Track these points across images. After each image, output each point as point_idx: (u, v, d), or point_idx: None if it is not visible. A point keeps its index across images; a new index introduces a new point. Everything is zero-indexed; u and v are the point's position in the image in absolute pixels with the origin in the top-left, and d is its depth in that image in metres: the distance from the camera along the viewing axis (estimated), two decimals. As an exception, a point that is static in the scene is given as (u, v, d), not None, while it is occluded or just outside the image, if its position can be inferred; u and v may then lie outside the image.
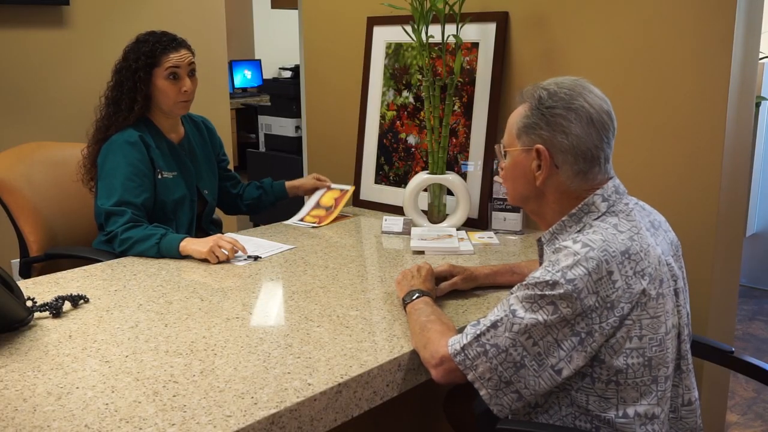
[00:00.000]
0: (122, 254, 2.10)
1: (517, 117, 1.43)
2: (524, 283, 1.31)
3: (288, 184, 2.59)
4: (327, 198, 2.54)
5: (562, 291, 1.25)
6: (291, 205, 2.70)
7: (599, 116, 1.35)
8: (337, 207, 2.48)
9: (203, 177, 2.39)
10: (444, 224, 2.38)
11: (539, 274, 1.29)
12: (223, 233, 2.39)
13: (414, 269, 1.71)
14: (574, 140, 1.35)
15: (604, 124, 1.36)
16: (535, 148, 1.38)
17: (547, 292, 1.26)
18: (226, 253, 2.02)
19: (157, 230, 2.09)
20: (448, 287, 1.75)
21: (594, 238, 1.30)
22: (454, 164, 2.49)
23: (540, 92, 1.39)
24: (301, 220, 2.47)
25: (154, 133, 2.27)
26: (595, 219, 1.36)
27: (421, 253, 2.12)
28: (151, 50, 2.20)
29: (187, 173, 2.32)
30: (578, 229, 1.37)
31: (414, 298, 1.58)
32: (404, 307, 1.60)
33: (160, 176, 2.24)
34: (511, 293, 1.33)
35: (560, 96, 1.36)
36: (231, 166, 2.74)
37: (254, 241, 2.22)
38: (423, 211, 2.43)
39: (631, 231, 1.33)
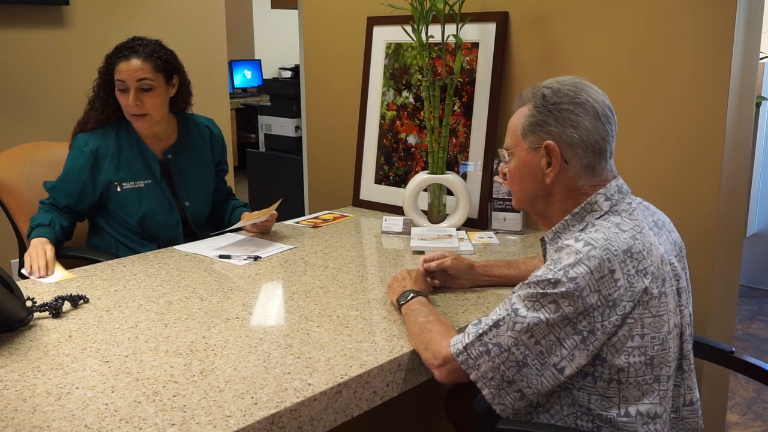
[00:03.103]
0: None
1: (520, 117, 1.43)
2: (526, 281, 1.31)
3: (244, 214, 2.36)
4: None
5: (564, 289, 1.25)
6: (291, 205, 2.70)
7: (603, 110, 1.38)
8: (261, 211, 2.26)
9: (186, 189, 2.32)
10: (444, 224, 2.38)
11: (541, 272, 1.29)
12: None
13: (404, 272, 1.71)
14: (583, 133, 1.36)
15: (608, 117, 1.38)
16: (545, 145, 1.38)
17: (549, 291, 1.26)
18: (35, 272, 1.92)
19: (40, 223, 2.14)
20: (436, 266, 1.75)
21: (596, 236, 1.30)
22: (454, 164, 2.49)
23: (543, 91, 1.40)
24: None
25: (131, 140, 2.23)
26: (598, 218, 1.37)
27: (421, 253, 2.11)
28: (110, 57, 2.19)
29: (163, 184, 2.26)
30: (581, 228, 1.38)
31: (409, 298, 1.58)
32: (399, 309, 1.60)
33: (118, 188, 2.20)
34: (513, 292, 1.33)
35: (565, 92, 1.37)
36: (231, 169, 2.70)
37: (254, 241, 2.21)
38: (423, 211, 2.43)
39: (634, 230, 1.33)
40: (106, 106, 2.22)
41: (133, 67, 2.13)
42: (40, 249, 2.00)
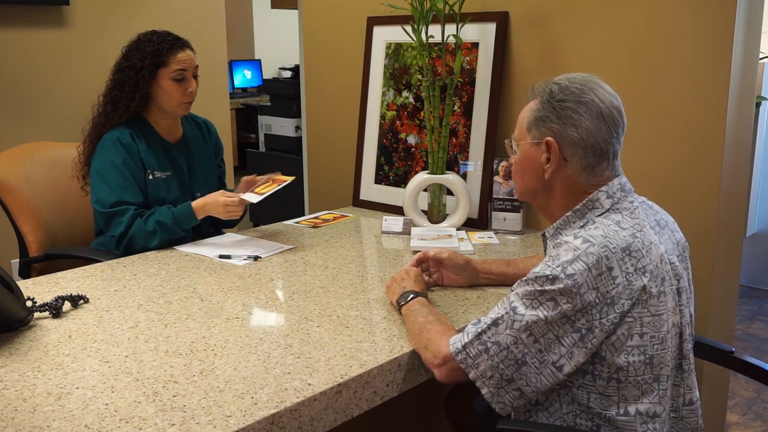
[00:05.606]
0: (144, 249, 2.12)
1: (528, 111, 1.43)
2: (524, 278, 1.31)
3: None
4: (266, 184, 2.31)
5: (561, 286, 1.25)
6: (291, 205, 2.70)
7: (609, 111, 1.36)
8: (274, 183, 2.24)
9: (197, 179, 2.36)
10: (444, 224, 2.38)
11: (539, 269, 1.29)
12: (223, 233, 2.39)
13: (402, 273, 1.71)
14: (583, 133, 1.35)
15: (613, 119, 1.37)
16: (545, 141, 1.38)
17: (547, 287, 1.26)
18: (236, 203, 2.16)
19: (162, 209, 2.15)
20: (434, 254, 1.77)
21: (595, 233, 1.30)
22: (454, 164, 2.49)
23: (551, 86, 1.40)
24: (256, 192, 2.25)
25: (148, 132, 2.25)
26: (599, 215, 1.37)
27: (421, 253, 2.12)
28: (157, 49, 2.17)
29: (180, 174, 2.30)
30: (581, 224, 1.38)
31: (409, 299, 1.58)
32: (399, 309, 1.60)
33: (151, 177, 2.22)
34: (512, 290, 1.33)
35: (571, 90, 1.37)
36: (231, 168, 2.71)
37: (254, 241, 2.21)
38: (423, 211, 2.43)
39: (634, 228, 1.33)
40: (145, 98, 2.21)
41: (190, 56, 2.23)
42: (219, 199, 2.16)
